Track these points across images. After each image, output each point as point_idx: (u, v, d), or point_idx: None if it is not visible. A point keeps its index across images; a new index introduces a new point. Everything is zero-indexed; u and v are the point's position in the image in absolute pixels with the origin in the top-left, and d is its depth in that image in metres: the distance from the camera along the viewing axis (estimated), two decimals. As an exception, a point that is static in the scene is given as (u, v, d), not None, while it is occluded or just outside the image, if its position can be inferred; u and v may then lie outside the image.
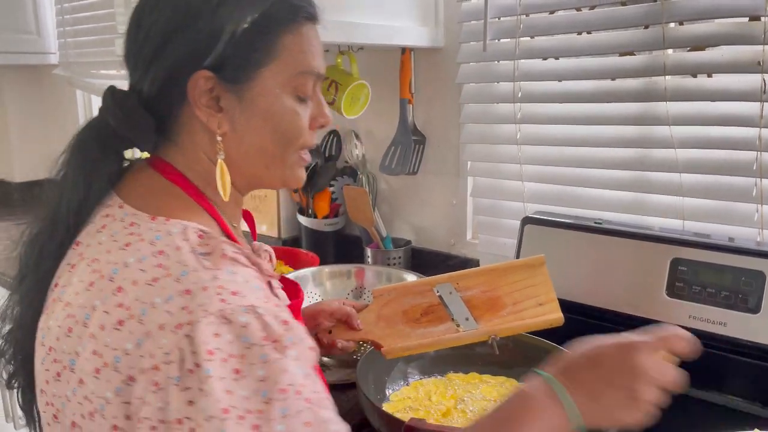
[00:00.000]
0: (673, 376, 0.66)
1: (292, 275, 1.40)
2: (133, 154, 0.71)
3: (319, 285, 1.43)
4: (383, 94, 1.68)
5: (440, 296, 0.96)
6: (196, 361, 0.53)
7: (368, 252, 1.67)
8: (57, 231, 0.67)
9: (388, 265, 1.62)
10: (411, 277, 1.41)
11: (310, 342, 0.60)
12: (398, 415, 0.98)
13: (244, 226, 0.84)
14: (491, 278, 0.97)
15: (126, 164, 0.71)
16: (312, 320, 0.99)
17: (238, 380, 0.53)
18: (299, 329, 0.58)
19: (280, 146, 0.69)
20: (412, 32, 1.51)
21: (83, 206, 0.67)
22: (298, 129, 0.69)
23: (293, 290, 0.79)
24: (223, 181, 0.66)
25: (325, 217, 1.83)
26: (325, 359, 1.19)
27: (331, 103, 1.53)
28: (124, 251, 0.60)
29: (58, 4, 2.40)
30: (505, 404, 0.66)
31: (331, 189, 1.82)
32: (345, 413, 1.05)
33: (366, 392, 0.95)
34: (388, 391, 1.08)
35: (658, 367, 0.65)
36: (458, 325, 0.95)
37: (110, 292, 0.58)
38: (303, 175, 0.75)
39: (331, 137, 1.87)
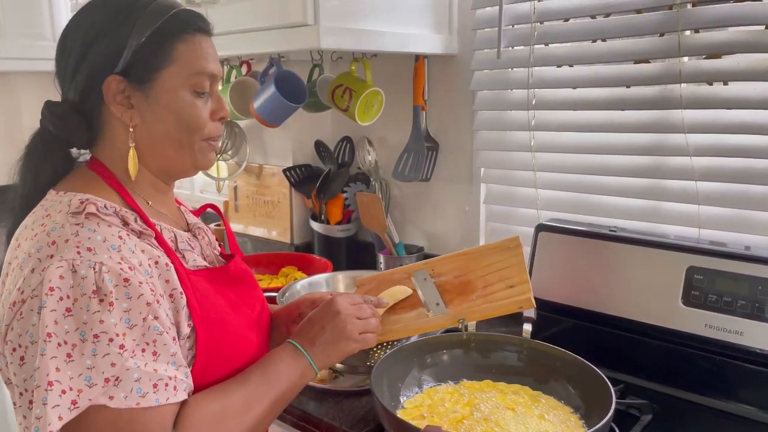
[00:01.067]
0: (367, 310, 0.92)
1: (306, 280, 1.41)
2: (78, 154, 0.87)
3: (334, 290, 1.43)
4: (397, 101, 1.68)
5: (415, 283, 0.97)
6: (40, 294, 0.69)
7: (380, 258, 1.67)
8: (15, 225, 0.83)
9: (401, 271, 1.63)
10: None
11: (149, 298, 0.73)
12: (413, 423, 0.98)
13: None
14: (465, 262, 0.96)
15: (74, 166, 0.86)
16: (296, 309, 1.05)
17: (66, 317, 0.68)
18: (140, 288, 0.72)
19: (185, 133, 0.83)
20: (426, 39, 1.51)
21: (31, 200, 0.82)
22: (198, 118, 0.83)
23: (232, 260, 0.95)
24: (132, 163, 0.82)
25: (338, 223, 1.83)
26: (338, 365, 1.19)
27: (345, 110, 1.54)
28: (29, 218, 0.79)
29: (74, 11, 2.43)
30: (260, 364, 0.86)
31: (344, 195, 1.83)
32: (359, 419, 1.06)
33: (380, 399, 0.95)
34: (402, 398, 1.07)
35: (352, 307, 0.91)
36: (428, 311, 0.95)
37: (14, 248, 0.78)
38: (212, 158, 0.88)
39: (345, 143, 1.87)
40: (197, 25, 0.83)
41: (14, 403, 0.80)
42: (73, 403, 0.67)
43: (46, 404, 0.66)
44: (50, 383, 0.66)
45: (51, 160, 0.84)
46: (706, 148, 1.22)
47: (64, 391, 0.67)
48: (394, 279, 0.99)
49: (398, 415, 1.01)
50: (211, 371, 0.81)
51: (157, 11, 0.80)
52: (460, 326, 0.95)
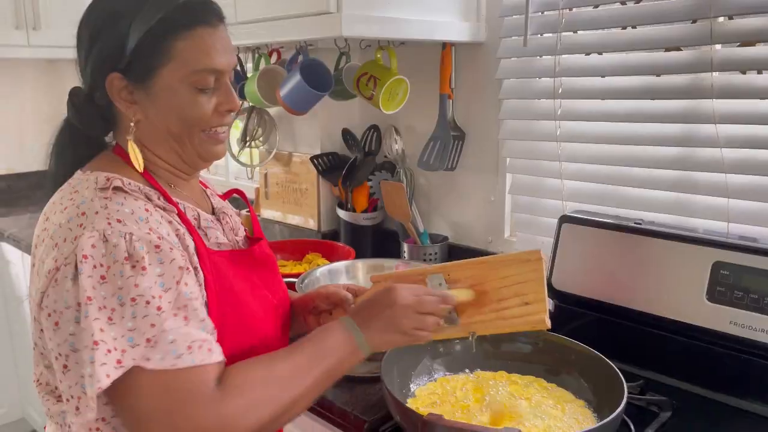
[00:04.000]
0: (428, 306, 0.87)
1: (326, 267, 1.42)
2: (112, 139, 0.90)
3: (353, 278, 1.44)
4: (423, 89, 1.67)
5: (429, 287, 0.93)
6: (75, 262, 0.72)
7: (404, 247, 1.68)
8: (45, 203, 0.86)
9: (424, 260, 1.62)
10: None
11: (181, 262, 0.76)
12: (423, 410, 0.99)
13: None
14: (482, 271, 0.92)
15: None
16: (311, 301, 1.04)
17: (102, 283, 0.72)
18: (171, 253, 0.75)
19: (184, 128, 0.84)
20: (453, 27, 1.50)
21: (58, 181, 0.86)
22: (198, 114, 0.83)
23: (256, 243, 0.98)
24: (134, 156, 0.83)
25: (364, 212, 1.84)
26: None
27: (369, 98, 1.54)
28: (57, 195, 0.83)
29: None
30: (311, 336, 0.85)
31: (370, 183, 1.83)
32: (371, 406, 1.07)
33: (389, 386, 0.96)
34: (413, 386, 1.08)
35: (412, 298, 0.86)
36: (440, 319, 0.91)
37: (43, 221, 0.82)
38: (218, 149, 0.89)
39: (372, 132, 1.87)
40: (200, 19, 0.81)
41: (35, 374, 0.84)
42: (118, 362, 0.70)
43: (93, 362, 0.69)
44: (95, 342, 0.69)
45: (75, 144, 0.88)
46: (738, 140, 1.17)
47: (109, 351, 0.70)
48: (411, 280, 0.97)
49: (408, 403, 1.01)
50: (224, 349, 0.80)
51: (155, 6, 0.79)
52: (470, 339, 0.93)
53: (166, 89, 0.81)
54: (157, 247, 0.74)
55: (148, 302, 0.72)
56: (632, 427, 0.99)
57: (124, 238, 0.73)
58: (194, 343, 0.74)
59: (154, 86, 0.81)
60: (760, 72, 1.16)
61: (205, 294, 0.81)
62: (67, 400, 0.73)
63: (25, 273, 2.27)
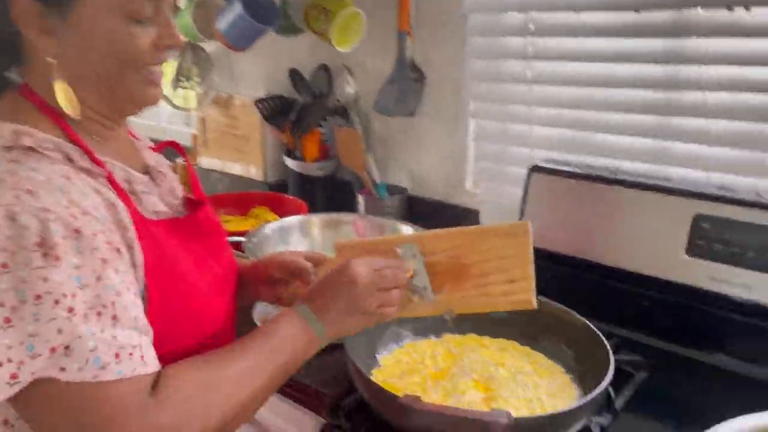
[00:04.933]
0: (390, 280, 0.78)
1: (277, 224, 1.29)
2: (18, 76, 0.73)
3: (307, 235, 1.32)
4: (380, 26, 1.52)
5: (401, 259, 0.83)
6: None
7: (360, 199, 1.56)
8: None
9: (382, 214, 1.51)
10: (407, 229, 1.30)
11: (104, 252, 0.62)
12: (391, 383, 0.90)
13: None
14: (462, 242, 0.82)
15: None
16: (264, 270, 0.93)
17: (3, 273, 0.57)
18: (94, 240, 0.61)
19: (114, 66, 0.69)
20: (413, -46, 1.35)
21: None
22: (132, 51, 0.69)
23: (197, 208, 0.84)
24: (65, 101, 0.68)
25: (315, 161, 1.71)
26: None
27: (320, 34, 1.38)
28: None
29: None
30: (262, 330, 0.76)
31: (321, 130, 1.69)
32: (330, 379, 0.97)
33: (354, 359, 0.86)
34: (378, 356, 0.99)
35: (373, 274, 0.77)
36: (413, 294, 0.82)
37: None
38: (154, 92, 0.74)
39: (322, 72, 1.72)
40: None
41: None
42: (13, 377, 0.57)
43: None
44: None
45: None
46: (723, 82, 1.10)
47: (1, 363, 0.56)
48: (380, 249, 0.85)
49: (374, 374, 0.93)
50: (168, 342, 0.69)
51: None
52: (446, 317, 0.83)
53: (92, 18, 0.66)
54: (77, 231, 0.60)
55: (57, 301, 0.58)
56: (612, 392, 0.92)
57: (37, 218, 0.59)
58: (123, 349, 0.61)
59: (76, 14, 0.66)
60: (747, 8, 1.07)
61: (142, 276, 0.67)
62: None
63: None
